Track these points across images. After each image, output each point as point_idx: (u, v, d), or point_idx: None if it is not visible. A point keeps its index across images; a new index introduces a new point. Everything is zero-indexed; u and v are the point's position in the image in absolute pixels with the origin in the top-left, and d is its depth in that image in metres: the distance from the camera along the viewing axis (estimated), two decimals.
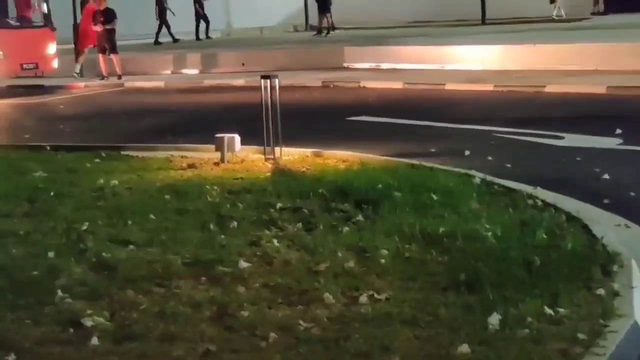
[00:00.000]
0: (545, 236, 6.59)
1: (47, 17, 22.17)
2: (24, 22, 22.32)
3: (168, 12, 29.68)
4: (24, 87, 21.61)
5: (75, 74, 22.93)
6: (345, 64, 22.11)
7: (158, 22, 29.69)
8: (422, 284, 5.76)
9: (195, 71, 23.74)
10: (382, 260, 6.25)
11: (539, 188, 8.34)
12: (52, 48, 22.06)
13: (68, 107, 18.58)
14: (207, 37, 31.58)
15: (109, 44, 21.94)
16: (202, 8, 31.27)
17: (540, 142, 11.46)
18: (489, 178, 8.82)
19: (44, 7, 22.09)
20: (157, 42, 29.70)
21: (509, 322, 5.00)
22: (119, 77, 22.09)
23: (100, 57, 22.16)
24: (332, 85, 19.28)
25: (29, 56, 21.51)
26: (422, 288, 5.68)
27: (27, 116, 17.17)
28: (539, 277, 5.68)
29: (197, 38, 31.40)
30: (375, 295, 5.54)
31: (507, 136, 11.91)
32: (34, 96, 20.17)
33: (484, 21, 31.13)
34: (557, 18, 30.86)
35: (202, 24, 31.52)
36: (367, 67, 21.73)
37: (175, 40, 29.90)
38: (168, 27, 29.82)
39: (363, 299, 5.50)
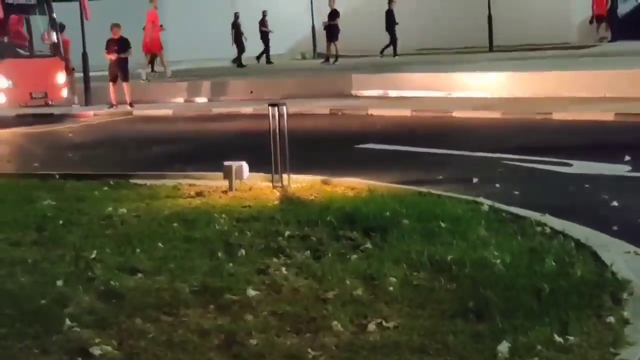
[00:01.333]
0: (554, 264, 6.58)
1: (56, 47, 22.30)
2: (33, 51, 22.45)
3: (243, 36, 31.49)
4: (33, 115, 21.70)
5: (144, 79, 25.98)
6: (353, 92, 22.16)
7: (235, 46, 31.44)
8: (430, 311, 5.75)
9: (203, 99, 23.80)
10: (391, 288, 6.25)
11: (547, 215, 8.32)
12: (61, 77, 22.17)
13: (77, 135, 18.64)
14: (268, 61, 33.00)
15: (122, 72, 22.09)
16: (267, 33, 32.49)
17: (548, 170, 11.45)
18: (497, 205, 8.80)
19: (54, 37, 22.21)
20: (240, 65, 31.19)
21: (518, 350, 4.98)
22: (131, 104, 22.18)
23: (111, 85, 22.27)
24: (340, 113, 19.31)
25: (38, 85, 21.61)
26: (430, 316, 5.67)
27: (36, 145, 17.23)
28: (548, 305, 5.66)
29: (267, 60, 32.79)
30: (384, 323, 5.52)
31: (515, 163, 11.90)
32: (43, 125, 20.26)
33: (491, 48, 31.22)
34: (598, 42, 30.93)
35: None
36: (374, 94, 21.76)
37: (239, 65, 31.21)
38: (241, 51, 31.42)
39: (371, 327, 5.48)
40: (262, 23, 32.85)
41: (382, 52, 30.68)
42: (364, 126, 17.15)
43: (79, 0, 23.34)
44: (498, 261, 6.63)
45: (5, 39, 21.85)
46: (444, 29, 32.53)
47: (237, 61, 31.55)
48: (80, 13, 23.19)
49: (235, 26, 31.42)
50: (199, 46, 31.70)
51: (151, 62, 27.05)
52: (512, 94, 19.35)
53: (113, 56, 21.89)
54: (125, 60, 22.20)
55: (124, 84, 22.22)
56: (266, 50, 33.28)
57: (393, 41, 30.76)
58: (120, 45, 22.00)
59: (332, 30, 30.22)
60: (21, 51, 22.24)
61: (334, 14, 30.24)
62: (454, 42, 31.43)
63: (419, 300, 5.98)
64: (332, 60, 29.99)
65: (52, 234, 8.30)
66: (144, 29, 26.31)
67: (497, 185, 10.35)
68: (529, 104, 18.00)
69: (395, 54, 30.61)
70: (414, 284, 6.33)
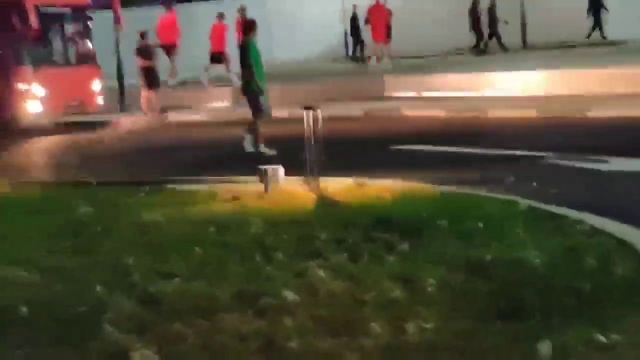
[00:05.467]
0: (594, 262, 6.51)
1: (91, 55, 22.46)
2: (69, 59, 22.59)
3: (500, 22, 30.20)
4: (69, 123, 21.83)
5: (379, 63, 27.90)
6: (386, 94, 22.11)
7: (488, 32, 30.30)
8: (468, 312, 5.71)
9: (238, 104, 23.79)
10: (428, 289, 6.21)
11: (586, 213, 8.24)
12: (96, 85, 22.33)
13: (113, 142, 18.76)
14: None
15: (157, 79, 22.32)
16: (495, 21, 30.62)
17: (585, 167, 11.35)
18: (535, 204, 8.74)
19: (89, 45, 22.38)
20: (482, 51, 30.22)
21: (558, 350, 4.93)
22: (163, 111, 22.29)
23: (151, 93, 22.41)
24: (374, 115, 19.27)
25: (73, 93, 21.75)
26: (469, 317, 5.63)
27: (73, 152, 17.36)
28: (588, 304, 5.61)
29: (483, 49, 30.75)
30: (422, 325, 5.49)
31: (551, 162, 11.81)
32: (79, 132, 20.40)
33: (524, 46, 31.02)
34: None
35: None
36: (408, 96, 21.69)
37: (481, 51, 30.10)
38: (499, 38, 30.24)
39: (410, 328, 5.45)
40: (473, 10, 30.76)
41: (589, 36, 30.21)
42: (398, 128, 17.10)
43: (113, 10, 23.54)
44: (537, 261, 6.59)
45: (41, 48, 22.00)
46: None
47: (478, 47, 30.31)
48: (114, 22, 23.36)
49: (492, 11, 30.17)
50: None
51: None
52: (548, 92, 19.20)
53: (154, 63, 22.17)
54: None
55: (154, 92, 22.37)
56: (498, 39, 30.82)
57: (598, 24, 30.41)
58: (154, 51, 22.29)
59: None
60: (56, 60, 22.39)
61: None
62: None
63: (457, 301, 5.95)
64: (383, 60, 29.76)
65: (89, 241, 8.34)
66: (367, 22, 29.21)
67: (534, 184, 10.28)
68: (565, 101, 17.85)
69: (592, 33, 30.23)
70: (451, 285, 6.29)
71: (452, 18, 31.87)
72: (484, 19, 30.20)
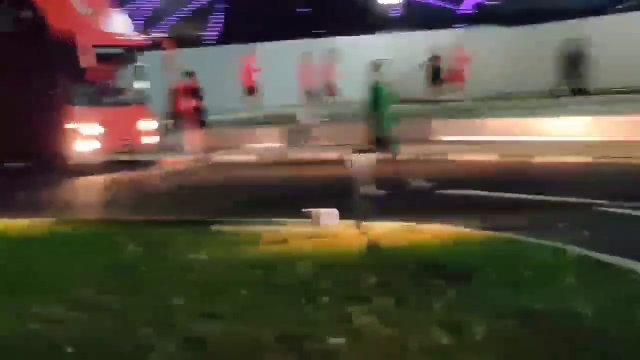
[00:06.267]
0: None
1: (144, 95, 22.74)
2: (123, 99, 22.86)
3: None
4: (121, 162, 22.07)
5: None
6: (433, 137, 22.06)
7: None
8: None
9: (287, 144, 23.90)
10: (476, 338, 6.10)
11: (639, 263, 8.07)
12: (149, 124, 22.60)
13: (162, 181, 18.87)
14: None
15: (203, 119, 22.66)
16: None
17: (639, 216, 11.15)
18: (586, 253, 8.59)
19: (142, 84, 22.66)
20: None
21: None
22: (207, 151, 22.52)
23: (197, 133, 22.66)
24: (421, 159, 19.18)
25: (125, 133, 22.00)
26: None
27: (122, 191, 17.49)
28: None
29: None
30: None
31: (605, 210, 11.62)
32: (130, 171, 20.60)
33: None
34: None
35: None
36: (456, 140, 21.60)
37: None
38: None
39: None
40: None
41: None
42: (446, 172, 16.99)
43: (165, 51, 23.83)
44: (588, 312, 6.45)
45: (95, 87, 22.31)
46: (530, 70, 31.87)
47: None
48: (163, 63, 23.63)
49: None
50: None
51: None
52: (604, 138, 18.96)
53: (201, 103, 22.49)
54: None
55: (201, 132, 22.66)
56: None
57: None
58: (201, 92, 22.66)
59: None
60: (111, 99, 22.68)
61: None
62: (539, 86, 30.82)
63: (505, 351, 5.83)
64: None
65: (135, 281, 8.37)
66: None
67: (586, 232, 10.09)
68: (621, 148, 17.59)
69: None
70: (500, 334, 6.18)
71: (511, 61, 31.74)
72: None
